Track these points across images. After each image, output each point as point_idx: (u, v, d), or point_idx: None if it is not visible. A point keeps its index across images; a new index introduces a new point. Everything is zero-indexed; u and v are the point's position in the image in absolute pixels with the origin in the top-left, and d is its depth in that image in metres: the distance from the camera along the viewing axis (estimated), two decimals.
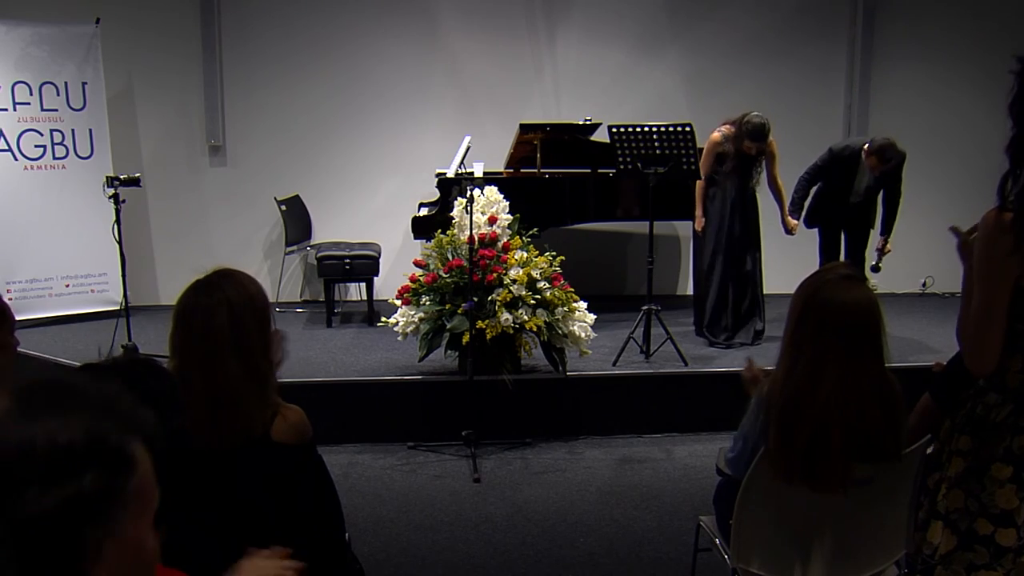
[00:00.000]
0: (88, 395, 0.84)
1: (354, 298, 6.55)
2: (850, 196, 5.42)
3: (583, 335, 4.46)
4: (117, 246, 5.03)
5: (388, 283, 5.90)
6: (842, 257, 5.59)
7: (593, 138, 5.98)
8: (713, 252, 5.42)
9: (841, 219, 5.50)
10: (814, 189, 5.51)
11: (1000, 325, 1.72)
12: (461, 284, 4.37)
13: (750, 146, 5.20)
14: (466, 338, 4.28)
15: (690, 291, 7.20)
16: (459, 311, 4.34)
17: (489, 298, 4.36)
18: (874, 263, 5.50)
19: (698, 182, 5.34)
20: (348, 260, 5.78)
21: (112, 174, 5.13)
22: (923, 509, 1.95)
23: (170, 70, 6.38)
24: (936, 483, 1.90)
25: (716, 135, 5.31)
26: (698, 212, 5.43)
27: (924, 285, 7.37)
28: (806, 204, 5.55)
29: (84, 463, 0.78)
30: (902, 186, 5.42)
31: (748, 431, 2.13)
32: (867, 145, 5.28)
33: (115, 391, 0.86)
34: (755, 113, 5.21)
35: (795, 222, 5.52)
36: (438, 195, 5.64)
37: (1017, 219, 1.66)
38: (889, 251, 5.47)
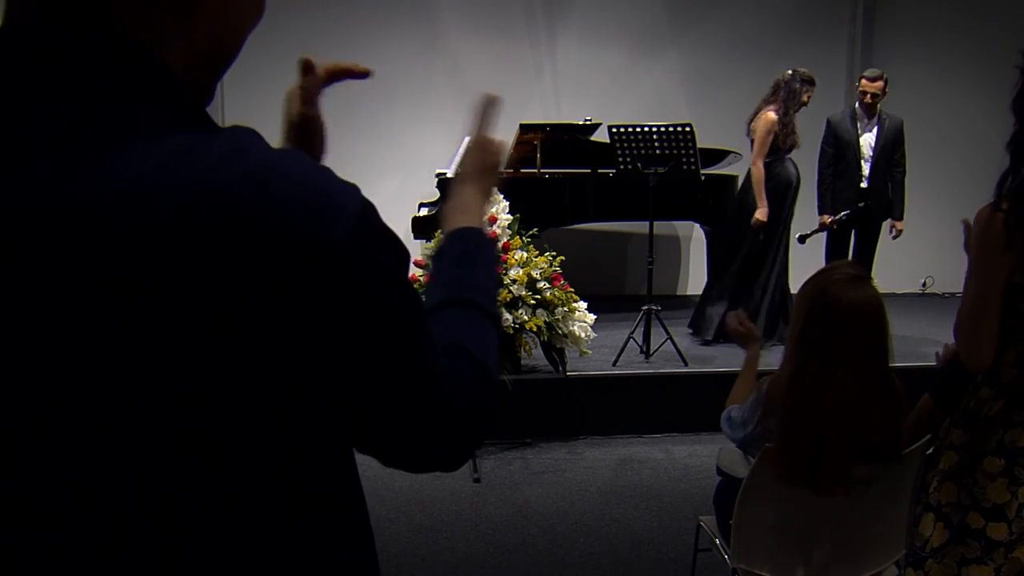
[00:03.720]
0: None
1: None
2: (860, 170, 5.38)
3: (583, 335, 4.46)
4: None
5: None
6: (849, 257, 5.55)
7: (593, 138, 5.98)
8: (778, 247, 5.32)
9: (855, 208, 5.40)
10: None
11: (994, 321, 1.74)
12: None
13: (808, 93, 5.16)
14: None
15: (690, 291, 7.21)
16: None
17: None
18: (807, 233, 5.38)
19: (755, 170, 5.20)
20: None
21: None
22: (920, 504, 1.96)
23: None
24: (931, 478, 1.91)
25: (772, 114, 5.15)
26: (762, 203, 5.19)
27: (924, 285, 7.38)
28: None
29: None
30: (906, 160, 5.42)
31: (747, 419, 2.14)
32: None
33: None
34: (787, 72, 5.18)
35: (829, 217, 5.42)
36: (438, 195, 5.64)
37: (1010, 216, 1.68)
38: (901, 231, 5.45)
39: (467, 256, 0.91)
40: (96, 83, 0.63)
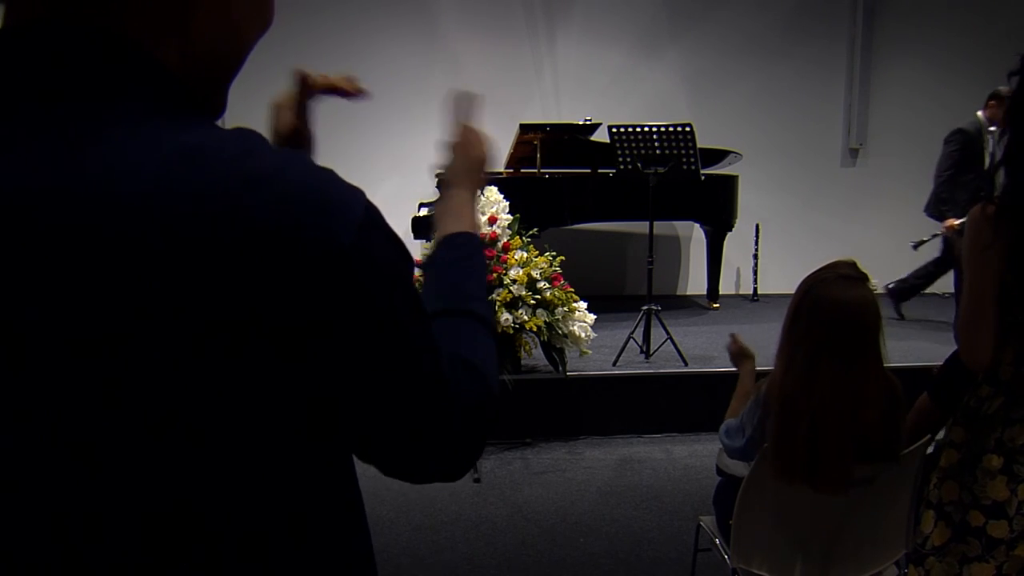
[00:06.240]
0: None
1: None
2: (993, 175, 5.57)
3: (583, 335, 4.46)
4: None
5: None
6: None
7: (593, 138, 5.98)
8: None
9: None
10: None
11: (989, 317, 1.74)
12: None
13: None
14: None
15: (690, 291, 7.22)
16: None
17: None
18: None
19: None
20: None
21: None
22: (922, 504, 1.96)
23: None
24: (932, 476, 1.92)
25: None
26: None
27: None
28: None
29: None
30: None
31: (746, 422, 2.14)
32: (991, 102, 5.45)
33: None
34: None
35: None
36: (438, 195, 5.64)
37: (999, 213, 1.69)
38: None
39: (462, 264, 0.91)
40: (93, 79, 0.62)
